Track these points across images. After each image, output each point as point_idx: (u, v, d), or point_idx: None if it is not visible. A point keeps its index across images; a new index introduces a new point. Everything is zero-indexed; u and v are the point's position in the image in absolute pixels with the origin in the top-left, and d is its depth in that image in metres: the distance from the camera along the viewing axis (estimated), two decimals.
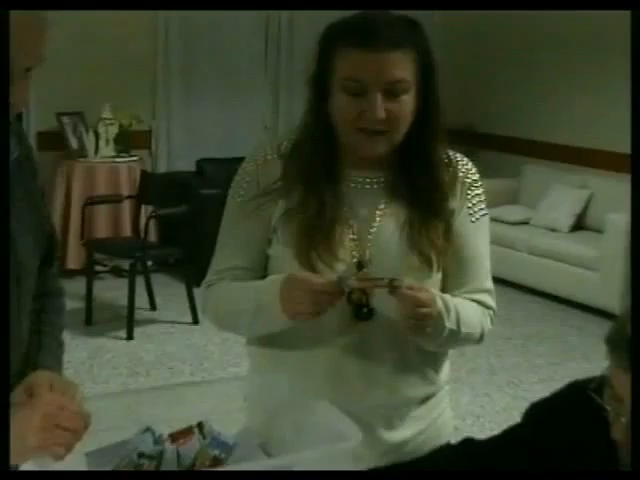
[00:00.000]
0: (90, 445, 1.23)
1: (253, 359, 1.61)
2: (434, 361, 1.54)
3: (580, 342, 4.71)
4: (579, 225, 5.65)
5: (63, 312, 1.42)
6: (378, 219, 1.47)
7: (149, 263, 5.14)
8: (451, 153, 1.53)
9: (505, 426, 1.44)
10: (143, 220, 5.01)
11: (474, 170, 1.54)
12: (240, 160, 1.57)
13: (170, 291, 5.32)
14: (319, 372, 1.48)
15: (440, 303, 1.43)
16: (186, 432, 1.30)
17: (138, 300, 4.75)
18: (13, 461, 1.07)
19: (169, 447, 1.28)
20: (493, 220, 1.56)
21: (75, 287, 5.04)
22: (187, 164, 6.12)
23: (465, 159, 1.55)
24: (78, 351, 4.34)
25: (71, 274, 5.31)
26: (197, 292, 4.37)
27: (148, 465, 1.25)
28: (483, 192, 1.54)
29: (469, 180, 1.52)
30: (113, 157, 5.69)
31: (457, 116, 6.50)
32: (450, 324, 1.44)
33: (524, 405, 1.43)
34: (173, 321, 4.91)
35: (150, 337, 4.67)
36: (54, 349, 1.36)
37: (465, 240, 1.51)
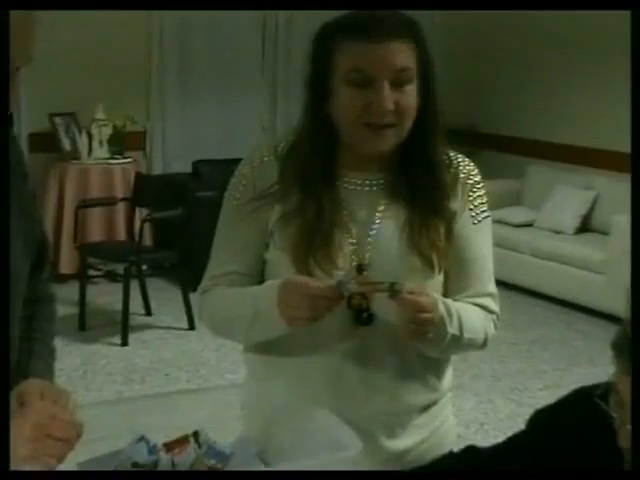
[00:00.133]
0: (83, 455, 1.23)
1: (250, 366, 1.60)
2: (436, 367, 1.54)
3: (586, 347, 4.71)
4: (584, 227, 5.65)
5: (54, 319, 1.42)
6: (378, 221, 1.47)
7: (144, 267, 5.14)
8: (452, 154, 1.53)
9: (509, 433, 1.44)
10: (138, 223, 5.01)
11: (476, 171, 1.54)
12: (237, 161, 1.57)
13: (165, 296, 5.32)
14: (318, 379, 1.48)
15: (442, 308, 1.43)
16: (181, 441, 1.30)
17: (133, 305, 4.75)
18: None
19: (164, 457, 1.28)
20: (496, 222, 1.56)
21: (68, 292, 5.04)
22: (183, 166, 6.12)
23: (466, 160, 1.55)
24: (71, 358, 4.33)
25: (64, 279, 5.31)
26: (193, 297, 4.36)
27: None
28: (485, 193, 1.54)
29: (471, 181, 1.52)
30: (107, 159, 5.69)
31: (458, 116, 6.51)
32: (452, 329, 1.44)
33: (529, 412, 1.43)
34: (169, 327, 4.90)
35: (145, 343, 4.66)
36: (45, 356, 1.35)
37: (467, 243, 1.50)
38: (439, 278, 1.49)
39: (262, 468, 1.33)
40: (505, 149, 6.57)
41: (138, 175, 5.40)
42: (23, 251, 1.29)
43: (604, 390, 1.23)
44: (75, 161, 5.62)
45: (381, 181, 1.50)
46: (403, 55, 1.40)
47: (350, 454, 1.24)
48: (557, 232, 5.63)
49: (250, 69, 6.37)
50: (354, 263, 1.45)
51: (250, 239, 1.50)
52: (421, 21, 1.48)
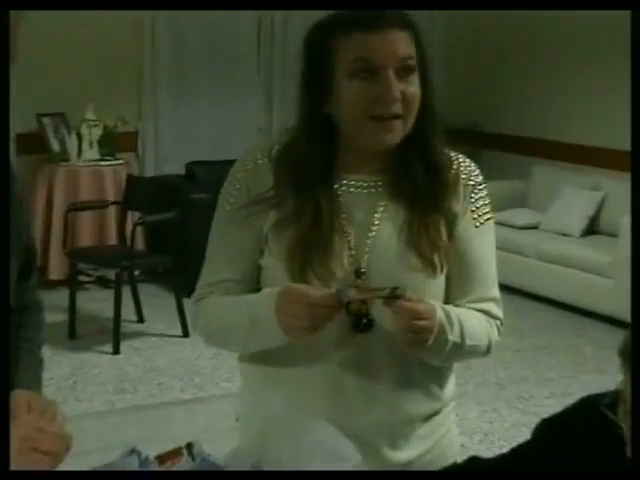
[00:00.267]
0: (72, 469, 1.23)
1: (245, 376, 1.60)
2: (438, 375, 1.54)
3: (593, 353, 4.71)
4: (591, 229, 5.65)
5: (42, 327, 1.41)
6: (377, 222, 1.47)
7: (136, 273, 5.13)
8: (452, 154, 1.53)
9: (514, 443, 1.44)
10: (130, 227, 5.00)
11: (477, 172, 1.54)
12: (232, 163, 1.56)
13: (159, 302, 5.31)
14: (315, 388, 1.48)
15: (441, 314, 1.42)
16: (174, 453, 1.30)
17: (125, 312, 4.75)
18: None
19: (156, 470, 1.27)
20: (500, 224, 1.56)
21: (57, 299, 5.03)
22: (176, 167, 6.12)
23: (467, 160, 1.55)
24: (61, 367, 4.33)
25: (53, 285, 5.31)
26: (187, 303, 4.36)
27: None
28: (487, 195, 1.54)
29: (472, 183, 1.52)
30: (97, 160, 5.69)
31: (460, 115, 6.52)
32: (453, 337, 1.44)
33: (534, 421, 1.43)
34: (162, 334, 4.90)
35: (138, 351, 4.66)
36: (33, 367, 1.35)
37: (469, 246, 1.50)
38: (441, 279, 1.49)
39: None
40: (509, 149, 6.58)
41: (130, 177, 5.40)
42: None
43: (612, 399, 1.22)
44: (64, 163, 5.61)
45: (379, 183, 1.50)
46: (405, 44, 1.42)
47: (348, 466, 1.24)
48: (563, 234, 5.63)
49: (246, 68, 6.37)
50: (352, 268, 1.45)
51: (245, 245, 1.50)
52: (421, 21, 1.49)
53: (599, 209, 5.66)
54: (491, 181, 1.56)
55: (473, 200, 1.52)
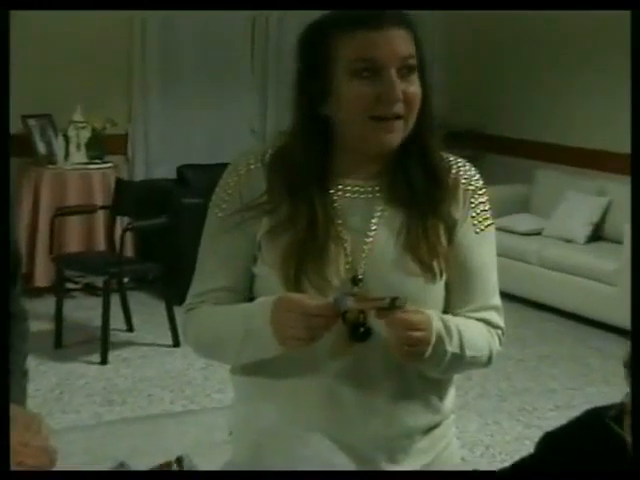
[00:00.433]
0: None
1: (238, 387, 1.60)
2: (438, 387, 1.54)
3: (599, 364, 4.71)
4: (596, 235, 5.66)
5: (27, 337, 1.41)
6: (374, 228, 1.47)
7: (125, 280, 5.12)
8: (452, 158, 1.53)
9: (517, 457, 1.44)
10: (119, 233, 4.99)
11: (477, 176, 1.54)
12: (225, 166, 1.56)
13: (148, 310, 5.31)
14: (311, 400, 1.47)
15: (439, 324, 1.42)
16: (164, 468, 1.29)
17: (113, 321, 4.74)
18: None
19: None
20: (502, 230, 1.56)
21: (43, 307, 5.02)
22: (167, 171, 6.12)
23: (467, 165, 1.55)
24: (46, 378, 4.32)
25: (39, 292, 5.30)
26: (178, 311, 4.35)
27: None
28: (488, 200, 1.54)
29: (472, 187, 1.52)
30: (85, 163, 5.69)
31: (461, 116, 6.54)
32: (452, 347, 1.44)
33: (537, 434, 1.43)
34: (152, 343, 4.89)
35: (126, 361, 4.65)
36: (17, 378, 1.35)
37: (469, 253, 1.50)
38: (440, 286, 1.49)
39: None
40: (511, 152, 6.59)
41: (119, 181, 5.39)
42: None
43: (618, 411, 1.22)
44: (51, 166, 5.61)
45: (376, 187, 1.50)
46: (406, 43, 1.43)
47: None
48: (567, 241, 5.64)
49: (239, 69, 6.38)
50: (349, 275, 1.45)
51: (237, 253, 1.50)
52: (421, 21, 1.50)
53: (604, 215, 5.66)
54: (492, 185, 1.56)
55: (473, 205, 1.52)
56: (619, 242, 5.31)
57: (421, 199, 1.48)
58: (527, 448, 1.45)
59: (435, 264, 1.46)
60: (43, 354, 4.56)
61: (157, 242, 5.03)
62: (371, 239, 1.47)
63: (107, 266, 4.76)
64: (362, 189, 1.50)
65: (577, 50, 6.13)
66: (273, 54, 6.35)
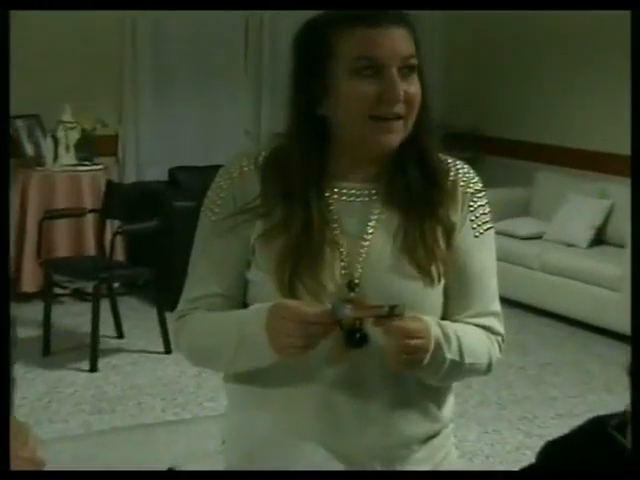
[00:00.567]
0: None
1: (231, 396, 1.59)
2: (436, 395, 1.54)
3: (601, 371, 4.71)
4: (599, 239, 5.67)
5: (14, 344, 1.41)
6: (370, 231, 1.47)
7: (115, 285, 5.12)
8: (450, 160, 1.54)
9: (518, 467, 1.44)
10: (109, 237, 5.00)
11: (476, 179, 1.55)
12: (218, 168, 1.56)
13: (139, 316, 5.30)
14: (306, 409, 1.47)
15: (437, 331, 1.42)
16: None
17: (103, 327, 4.73)
18: None
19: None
20: (502, 234, 1.56)
21: (31, 312, 5.01)
22: (158, 173, 6.12)
23: (466, 167, 1.55)
24: (34, 386, 4.31)
25: (27, 298, 5.29)
26: (169, 317, 4.35)
27: None
28: (488, 203, 1.54)
29: (471, 190, 1.53)
30: (74, 165, 5.68)
31: (460, 118, 6.56)
32: (451, 355, 1.44)
33: (539, 443, 1.43)
34: (142, 350, 4.89)
35: (116, 369, 4.64)
36: None
37: (468, 257, 1.50)
38: (439, 290, 1.49)
39: None
40: (511, 154, 6.60)
41: (109, 183, 5.39)
42: None
43: (621, 420, 1.23)
44: (39, 168, 5.61)
45: (373, 191, 1.50)
46: (408, 42, 1.43)
47: None
48: (569, 245, 5.65)
49: (232, 69, 6.39)
50: (344, 280, 1.45)
51: (230, 257, 1.50)
52: (421, 21, 1.50)
53: (607, 218, 5.67)
54: (492, 188, 1.57)
55: (472, 208, 1.52)
56: (622, 246, 5.31)
57: (419, 201, 1.48)
58: (528, 458, 1.45)
59: (433, 268, 1.46)
60: (31, 361, 4.55)
61: (148, 246, 5.03)
62: (368, 243, 1.47)
63: (97, 271, 4.75)
64: (359, 192, 1.50)
65: (574, 50, 6.14)
66: (268, 54, 6.36)
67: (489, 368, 1.52)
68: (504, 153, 6.60)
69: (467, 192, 1.52)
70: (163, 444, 1.39)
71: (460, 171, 1.53)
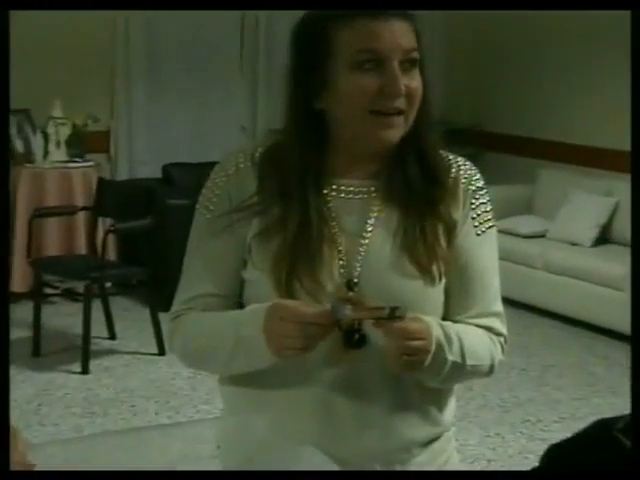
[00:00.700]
0: None
1: (227, 398, 1.59)
2: (437, 397, 1.54)
3: (606, 373, 4.72)
4: (603, 238, 5.67)
5: None
6: (369, 229, 1.47)
7: (107, 285, 5.12)
8: (451, 157, 1.54)
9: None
10: (100, 235, 4.99)
11: (478, 176, 1.55)
12: (213, 165, 1.56)
13: (132, 317, 5.30)
14: (304, 411, 1.47)
15: (438, 332, 1.42)
16: None
17: (94, 328, 4.73)
18: None
19: None
20: (504, 232, 1.56)
21: (21, 313, 5.01)
22: (151, 170, 6.12)
23: (468, 163, 1.55)
24: (24, 388, 4.31)
25: (16, 298, 5.28)
26: (163, 318, 4.35)
27: None
28: (490, 201, 1.54)
29: (473, 187, 1.53)
30: (65, 162, 5.68)
31: (461, 113, 6.57)
32: (452, 356, 1.44)
33: (542, 447, 1.43)
34: (135, 352, 4.88)
35: (108, 371, 4.64)
36: None
37: (469, 256, 1.51)
38: (439, 289, 1.49)
39: None
40: (513, 150, 6.60)
41: (101, 180, 5.39)
42: None
43: (626, 423, 1.23)
44: (29, 165, 5.60)
45: (372, 188, 1.50)
46: (410, 35, 1.44)
47: None
48: (572, 244, 5.65)
49: (228, 64, 6.38)
50: (343, 279, 1.45)
51: (226, 256, 1.50)
52: (421, 21, 1.50)
53: (611, 216, 5.67)
54: (494, 185, 1.57)
55: (474, 206, 1.52)
56: (628, 245, 5.31)
57: (419, 199, 1.48)
58: (530, 462, 1.46)
59: (434, 267, 1.46)
60: (20, 363, 4.55)
61: (141, 245, 5.02)
62: (367, 241, 1.47)
63: (88, 270, 4.75)
64: (357, 189, 1.50)
65: (575, 48, 6.14)
66: (263, 51, 6.36)
67: (491, 370, 1.52)
68: (506, 149, 6.60)
69: (469, 189, 1.52)
70: (157, 448, 1.39)
71: (462, 168, 1.53)
